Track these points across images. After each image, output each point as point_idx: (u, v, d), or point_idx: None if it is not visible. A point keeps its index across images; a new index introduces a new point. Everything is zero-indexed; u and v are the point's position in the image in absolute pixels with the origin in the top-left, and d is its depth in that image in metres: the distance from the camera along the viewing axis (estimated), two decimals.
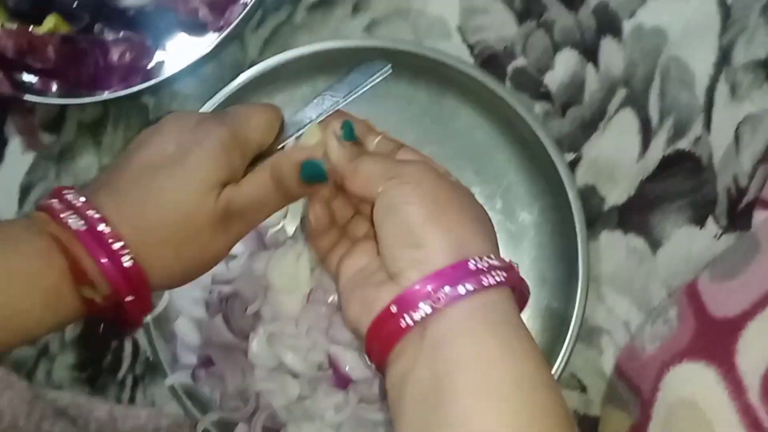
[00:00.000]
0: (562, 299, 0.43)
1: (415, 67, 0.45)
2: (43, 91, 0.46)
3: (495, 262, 0.28)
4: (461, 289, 0.26)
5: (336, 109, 0.35)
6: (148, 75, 0.47)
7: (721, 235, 0.44)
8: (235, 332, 0.41)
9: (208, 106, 0.45)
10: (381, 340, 0.28)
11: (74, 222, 0.28)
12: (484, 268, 0.27)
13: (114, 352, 0.47)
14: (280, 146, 0.34)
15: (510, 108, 0.44)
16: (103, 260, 0.28)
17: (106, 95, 0.46)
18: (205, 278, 0.42)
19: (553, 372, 0.41)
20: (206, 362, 0.42)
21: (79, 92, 0.46)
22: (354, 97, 0.35)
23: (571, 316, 0.42)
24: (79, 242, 0.28)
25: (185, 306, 0.43)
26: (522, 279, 0.30)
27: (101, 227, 0.28)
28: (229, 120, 0.32)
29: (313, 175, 0.31)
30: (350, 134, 0.33)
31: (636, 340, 0.39)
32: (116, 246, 0.28)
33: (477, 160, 0.46)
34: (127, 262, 0.28)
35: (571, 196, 0.43)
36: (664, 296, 0.43)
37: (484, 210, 0.31)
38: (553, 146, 0.43)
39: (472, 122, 0.46)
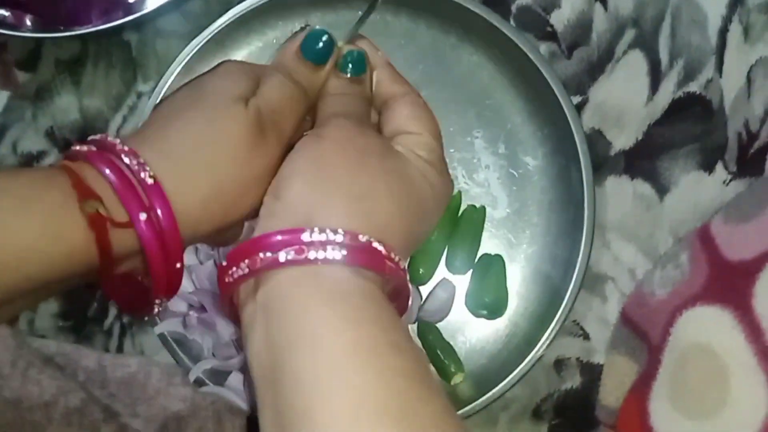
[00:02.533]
0: (567, 246, 0.42)
1: (416, 3, 0.43)
2: (16, 27, 0.43)
3: (340, 239, 0.25)
4: (281, 256, 0.24)
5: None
6: (130, 9, 0.44)
7: (730, 181, 0.43)
8: None
9: (195, 44, 0.42)
10: (221, 289, 0.26)
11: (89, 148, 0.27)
12: (321, 241, 0.24)
13: (100, 300, 0.45)
14: None
15: (515, 47, 0.42)
16: (107, 171, 0.25)
17: (86, 30, 0.43)
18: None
19: (556, 319, 0.40)
20: (197, 309, 0.40)
21: (56, 27, 0.43)
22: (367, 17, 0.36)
23: (576, 263, 0.41)
24: (88, 162, 0.26)
25: None
26: (398, 275, 0.26)
27: (111, 138, 0.26)
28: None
29: (313, 48, 0.30)
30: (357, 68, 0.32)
31: (644, 285, 0.38)
32: (130, 161, 0.26)
33: (479, 103, 0.44)
34: (148, 179, 0.26)
35: (578, 140, 0.41)
36: (670, 243, 0.42)
37: (407, 194, 0.28)
38: (560, 88, 0.41)
39: (474, 62, 0.44)
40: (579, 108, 0.44)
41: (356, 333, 0.23)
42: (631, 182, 0.43)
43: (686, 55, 0.44)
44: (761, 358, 0.28)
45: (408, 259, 0.31)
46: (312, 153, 0.27)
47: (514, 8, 0.44)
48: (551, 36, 0.44)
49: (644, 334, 0.36)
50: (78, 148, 0.27)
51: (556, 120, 0.42)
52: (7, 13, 0.44)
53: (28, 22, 0.44)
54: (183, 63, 0.42)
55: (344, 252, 0.24)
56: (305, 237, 0.24)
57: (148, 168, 0.26)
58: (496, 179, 0.43)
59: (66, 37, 0.43)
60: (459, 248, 0.42)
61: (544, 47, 0.44)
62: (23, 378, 0.36)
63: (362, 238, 0.25)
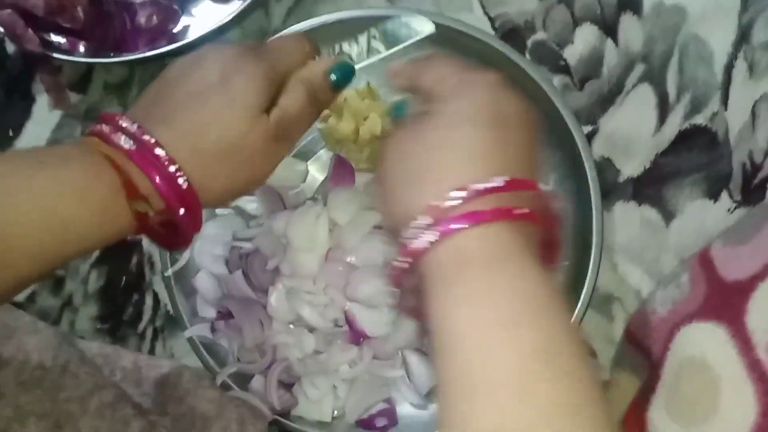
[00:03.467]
0: (576, 267, 0.44)
1: (436, 37, 0.46)
2: (70, 51, 0.47)
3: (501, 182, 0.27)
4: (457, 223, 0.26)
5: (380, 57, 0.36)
6: (174, 38, 0.48)
7: (734, 209, 0.44)
8: (255, 287, 0.42)
9: None
10: (404, 254, 0.28)
11: (126, 143, 0.29)
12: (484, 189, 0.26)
13: (135, 305, 0.48)
14: None
15: (529, 79, 0.44)
16: (157, 179, 0.29)
17: (133, 57, 0.46)
18: (226, 236, 0.44)
19: None
20: (225, 315, 0.43)
21: (106, 53, 0.47)
22: (395, 50, 0.36)
23: (584, 284, 0.42)
24: (133, 161, 0.29)
25: (205, 262, 0.44)
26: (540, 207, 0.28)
27: (158, 151, 0.29)
28: (266, 52, 0.33)
29: (342, 76, 0.34)
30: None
31: (647, 304, 0.40)
32: (172, 169, 0.29)
33: None
34: (183, 183, 0.29)
35: (588, 167, 0.43)
36: (676, 266, 0.44)
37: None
38: (571, 117, 0.44)
39: None
40: (590, 137, 0.46)
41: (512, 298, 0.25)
42: (638, 208, 0.45)
43: (693, 89, 0.46)
44: (751, 370, 0.30)
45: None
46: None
47: (529, 43, 0.47)
48: (564, 69, 0.47)
49: (647, 350, 0.38)
50: (112, 135, 0.30)
51: (568, 148, 0.44)
52: (62, 40, 0.48)
53: (81, 48, 0.48)
54: None
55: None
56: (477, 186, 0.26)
57: (182, 174, 0.30)
58: None
59: (115, 62, 0.47)
60: None
61: (557, 80, 0.47)
62: (62, 371, 0.39)
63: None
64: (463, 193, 0.27)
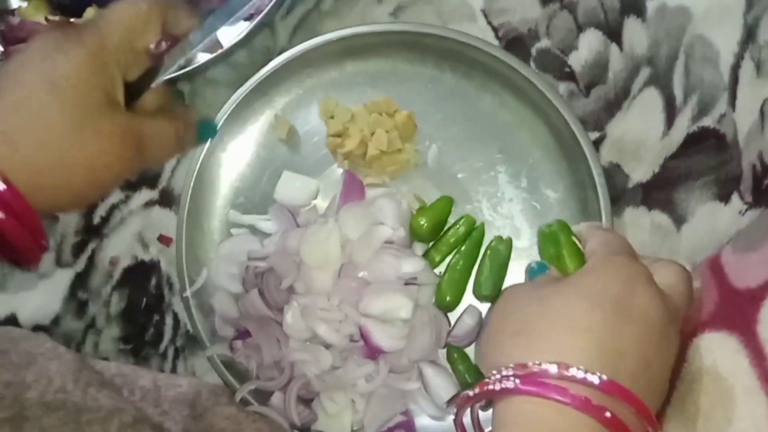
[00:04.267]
0: None
1: (441, 50, 0.46)
2: None
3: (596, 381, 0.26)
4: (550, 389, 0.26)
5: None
6: (184, 62, 0.48)
7: (746, 211, 0.44)
8: (270, 305, 0.43)
9: (240, 93, 0.46)
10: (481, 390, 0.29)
11: None
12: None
13: (156, 326, 0.49)
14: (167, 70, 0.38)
15: (534, 88, 0.45)
16: None
17: None
18: (241, 256, 0.45)
19: None
20: (243, 334, 0.44)
21: None
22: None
23: None
24: None
25: (222, 281, 0.45)
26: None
27: None
28: (90, 30, 0.32)
29: (207, 135, 0.38)
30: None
31: None
32: None
33: (502, 139, 0.46)
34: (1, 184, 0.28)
35: (596, 173, 0.44)
36: None
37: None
38: (577, 124, 0.44)
39: (497, 102, 0.47)
40: (598, 143, 0.46)
41: None
42: (648, 213, 0.45)
43: (700, 91, 0.46)
44: (764, 381, 0.30)
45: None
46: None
47: (534, 51, 0.47)
48: (570, 76, 0.47)
49: None
50: None
51: (575, 155, 0.45)
52: None
53: None
54: (228, 111, 0.46)
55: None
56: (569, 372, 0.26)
57: None
58: (519, 211, 0.46)
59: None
60: (485, 276, 0.45)
61: (563, 87, 0.47)
62: (83, 394, 0.40)
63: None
64: (555, 371, 0.27)
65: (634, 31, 0.46)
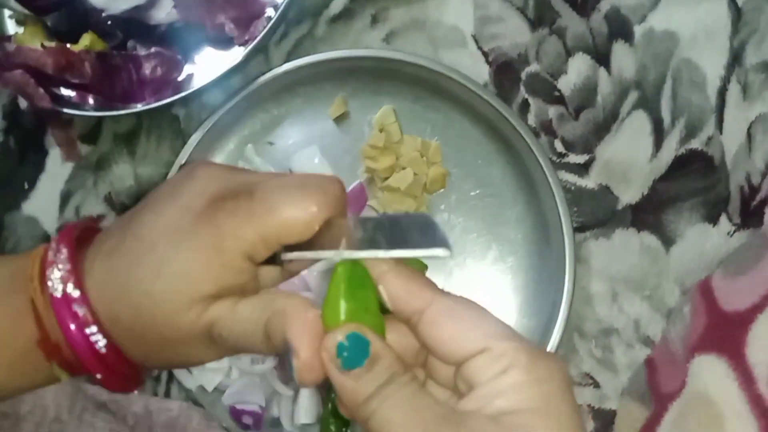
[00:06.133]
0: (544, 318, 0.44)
1: (428, 83, 0.47)
2: (80, 105, 0.49)
3: None
4: None
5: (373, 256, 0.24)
6: (179, 87, 0.49)
7: (734, 232, 0.45)
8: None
9: (226, 109, 0.47)
10: None
11: (53, 287, 0.26)
12: None
13: None
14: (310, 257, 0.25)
15: (512, 128, 0.45)
16: (79, 343, 0.25)
17: (140, 107, 0.48)
18: None
19: None
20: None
21: (114, 105, 0.49)
22: (398, 255, 0.24)
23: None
24: (53, 311, 0.26)
25: None
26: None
27: (76, 308, 0.26)
28: (247, 208, 0.25)
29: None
30: (356, 358, 0.22)
31: (666, 339, 0.40)
32: (89, 330, 0.26)
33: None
34: (101, 348, 0.26)
35: (553, 186, 0.44)
36: (677, 293, 0.44)
37: None
38: (550, 169, 0.44)
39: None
40: (587, 165, 0.47)
41: None
42: (638, 235, 0.46)
43: (687, 114, 0.46)
44: (753, 405, 0.30)
45: None
46: None
47: (524, 75, 0.48)
48: (559, 100, 0.48)
49: (661, 383, 0.38)
50: (47, 268, 0.26)
51: (534, 173, 0.45)
52: (72, 94, 0.49)
53: (91, 101, 0.49)
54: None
55: None
56: None
57: (101, 337, 0.26)
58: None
59: (123, 114, 0.48)
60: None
61: (552, 110, 0.48)
62: (79, 422, 0.40)
63: None
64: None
65: (622, 56, 0.47)
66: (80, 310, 0.26)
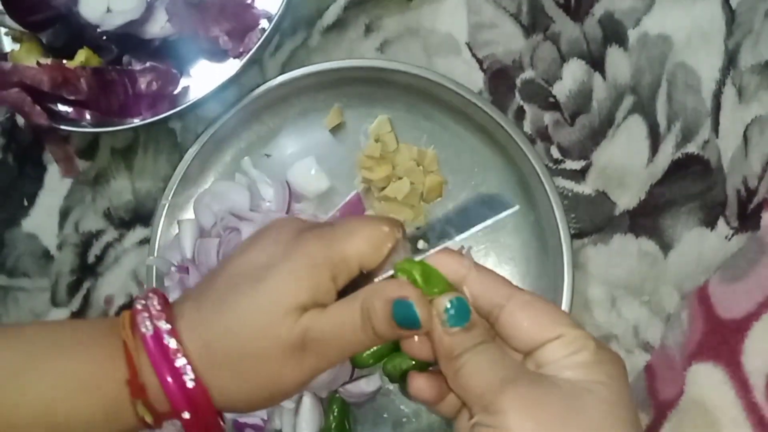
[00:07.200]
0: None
1: (421, 90, 0.47)
2: (77, 121, 0.49)
3: None
4: None
5: (444, 246, 0.29)
6: (175, 101, 0.49)
7: (732, 236, 0.45)
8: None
9: (222, 122, 0.47)
10: None
11: (145, 327, 0.27)
12: None
13: None
14: (385, 274, 0.29)
15: (508, 136, 0.45)
16: (167, 377, 0.27)
17: (137, 122, 0.48)
18: (228, 201, 0.46)
19: None
20: (182, 268, 0.45)
21: (110, 120, 0.49)
22: (471, 233, 0.29)
23: None
24: (145, 351, 0.27)
25: (200, 209, 0.46)
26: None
27: (167, 340, 0.27)
28: (329, 235, 0.29)
29: (404, 318, 0.26)
30: (460, 318, 0.26)
31: (664, 345, 0.40)
32: (179, 363, 0.27)
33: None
34: (189, 382, 0.27)
35: (548, 188, 0.44)
36: (675, 298, 0.44)
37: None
38: (547, 175, 0.44)
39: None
40: (583, 171, 0.47)
41: None
42: (636, 240, 0.46)
43: (683, 118, 0.46)
44: (749, 413, 0.30)
45: None
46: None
47: (518, 82, 0.48)
48: (554, 106, 0.48)
49: (660, 390, 0.38)
50: (137, 315, 0.28)
51: (531, 180, 0.45)
52: (69, 110, 0.50)
53: (88, 116, 0.50)
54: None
55: None
56: None
57: (190, 370, 0.27)
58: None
59: (120, 130, 0.49)
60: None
61: (548, 116, 0.48)
62: None
63: None
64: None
65: (617, 60, 0.47)
66: (171, 343, 0.27)
